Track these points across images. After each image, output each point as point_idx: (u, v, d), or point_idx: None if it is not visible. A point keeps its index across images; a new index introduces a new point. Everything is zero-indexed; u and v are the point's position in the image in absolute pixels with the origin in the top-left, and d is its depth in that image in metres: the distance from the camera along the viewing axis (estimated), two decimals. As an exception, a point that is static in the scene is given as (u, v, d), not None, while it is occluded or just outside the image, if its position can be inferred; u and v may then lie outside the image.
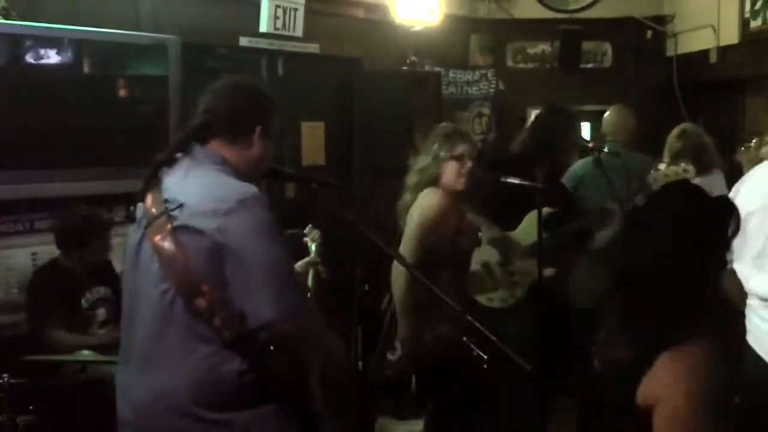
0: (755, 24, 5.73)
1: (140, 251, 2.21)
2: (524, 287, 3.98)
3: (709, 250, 1.85)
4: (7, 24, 3.82)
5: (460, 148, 3.40)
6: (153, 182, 2.24)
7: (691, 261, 1.83)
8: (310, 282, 2.84)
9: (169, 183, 2.21)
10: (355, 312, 4.98)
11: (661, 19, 6.88)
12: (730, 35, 5.98)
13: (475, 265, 3.86)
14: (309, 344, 2.25)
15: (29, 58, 3.96)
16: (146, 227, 2.18)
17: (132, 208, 2.34)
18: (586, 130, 6.92)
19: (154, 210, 2.19)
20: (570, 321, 4.27)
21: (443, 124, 3.77)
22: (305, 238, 3.01)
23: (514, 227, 4.05)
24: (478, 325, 2.65)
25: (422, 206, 3.37)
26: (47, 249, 4.03)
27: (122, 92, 4.37)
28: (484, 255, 3.95)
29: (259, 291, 2.06)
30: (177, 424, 2.12)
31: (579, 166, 4.62)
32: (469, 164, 3.40)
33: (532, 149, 4.24)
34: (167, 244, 2.12)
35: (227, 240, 2.06)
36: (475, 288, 3.95)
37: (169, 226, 2.13)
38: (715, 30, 6.15)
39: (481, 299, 3.99)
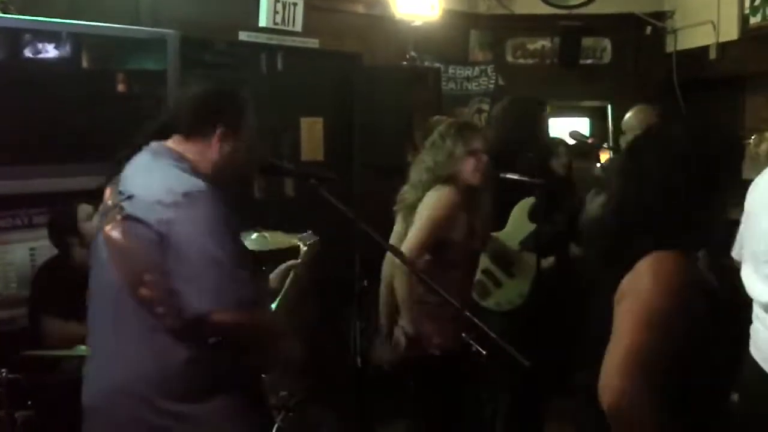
0: (755, 20, 5.73)
1: (97, 243, 2.27)
2: (527, 283, 3.98)
3: (709, 182, 1.88)
4: (5, 18, 3.81)
5: (476, 143, 3.37)
6: (114, 178, 2.29)
7: (689, 184, 1.87)
8: (287, 284, 2.81)
9: (125, 175, 2.26)
10: (354, 307, 4.97)
11: (660, 15, 6.87)
12: (730, 31, 5.98)
13: (477, 273, 3.87)
14: (255, 337, 2.23)
15: (28, 53, 3.95)
16: (102, 219, 2.25)
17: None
18: (585, 126, 6.93)
19: (110, 202, 2.26)
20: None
21: (437, 117, 3.75)
22: (298, 241, 2.98)
23: (502, 225, 4.04)
24: (477, 321, 2.66)
25: (433, 203, 3.32)
26: (46, 244, 4.02)
27: (121, 87, 4.35)
28: (483, 262, 3.93)
29: (196, 281, 2.09)
30: (138, 414, 2.15)
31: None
32: (485, 158, 3.37)
33: (496, 147, 4.11)
34: (115, 234, 2.19)
35: (170, 231, 2.09)
36: (480, 295, 3.94)
37: (119, 216, 2.19)
38: (714, 26, 6.15)
39: (489, 304, 3.98)
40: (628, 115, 4.92)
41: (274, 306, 2.63)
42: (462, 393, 3.36)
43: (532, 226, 3.96)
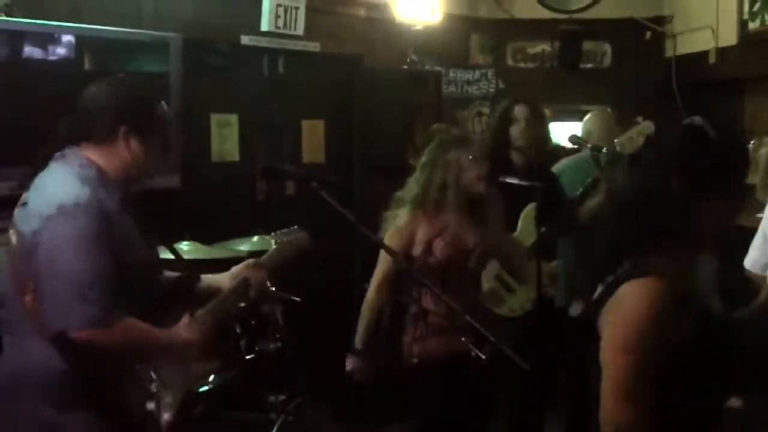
0: (753, 25, 5.75)
1: (7, 241, 2.31)
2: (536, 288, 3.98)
3: (706, 189, 1.85)
4: (9, 21, 3.82)
5: (474, 152, 3.39)
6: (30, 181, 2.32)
7: (684, 196, 1.84)
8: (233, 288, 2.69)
9: (36, 181, 2.29)
10: (355, 309, 4.99)
11: (660, 20, 6.89)
12: (729, 36, 6.00)
13: (489, 281, 3.88)
14: (117, 352, 2.20)
15: (31, 55, 3.96)
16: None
17: None
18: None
19: (18, 204, 2.30)
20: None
21: (437, 125, 3.76)
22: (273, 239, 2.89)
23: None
24: (475, 324, 2.67)
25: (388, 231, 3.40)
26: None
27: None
28: (494, 268, 3.94)
29: (49, 299, 2.12)
30: (17, 413, 2.22)
31: (568, 164, 4.66)
32: (485, 167, 3.38)
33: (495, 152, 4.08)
34: (13, 239, 2.25)
35: (38, 244, 2.13)
36: (494, 302, 3.95)
37: (15, 222, 2.25)
38: (713, 31, 6.17)
39: (503, 311, 3.99)
40: (585, 119, 4.95)
41: (205, 308, 2.52)
42: (461, 400, 3.36)
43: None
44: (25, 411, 2.22)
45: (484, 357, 3.07)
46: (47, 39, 3.99)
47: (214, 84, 4.86)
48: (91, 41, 4.14)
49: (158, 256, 2.56)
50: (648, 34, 6.85)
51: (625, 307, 1.80)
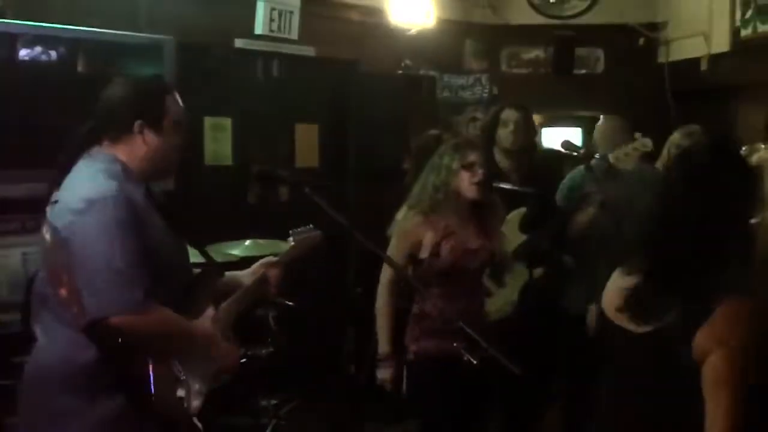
0: (746, 33, 5.77)
1: (40, 239, 2.41)
2: (517, 292, 3.99)
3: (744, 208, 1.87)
4: (2, 23, 3.82)
5: (471, 157, 3.40)
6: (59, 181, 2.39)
7: (729, 215, 1.85)
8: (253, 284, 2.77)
9: (65, 181, 2.37)
10: (348, 314, 4.99)
11: (653, 27, 6.91)
12: (722, 43, 6.02)
13: None
14: (155, 338, 2.27)
15: (24, 57, 3.95)
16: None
17: None
18: (577, 136, 6.96)
19: (49, 203, 2.38)
20: (560, 324, 4.26)
21: (432, 132, 3.77)
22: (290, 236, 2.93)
23: None
24: (469, 330, 2.67)
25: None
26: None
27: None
28: None
29: (89, 287, 2.19)
30: (40, 402, 2.31)
31: (571, 176, 4.63)
32: (481, 172, 3.39)
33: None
34: (47, 237, 2.33)
35: (71, 236, 2.22)
36: None
37: (48, 219, 2.34)
38: (706, 38, 6.19)
39: None
40: (598, 125, 4.93)
41: (225, 304, 2.61)
42: (456, 403, 3.36)
43: (522, 237, 3.97)
44: (54, 400, 2.28)
45: (475, 362, 3.08)
46: (41, 41, 3.99)
47: (208, 87, 4.85)
48: (86, 43, 4.14)
49: (186, 252, 2.61)
50: (641, 40, 6.87)
51: (738, 331, 1.77)
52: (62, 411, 2.27)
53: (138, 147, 2.39)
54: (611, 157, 3.96)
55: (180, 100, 2.48)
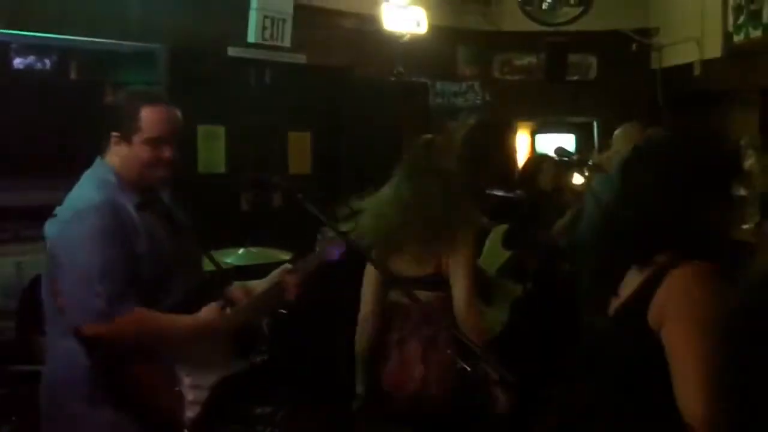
0: (738, 38, 5.80)
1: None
2: (506, 310, 3.96)
3: (721, 191, 1.87)
4: (-5, 32, 3.83)
5: (443, 162, 3.36)
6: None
7: (705, 192, 1.86)
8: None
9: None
10: (342, 321, 4.98)
11: (646, 32, 6.94)
12: (714, 49, 6.05)
13: None
14: (137, 341, 2.30)
15: (18, 66, 3.96)
16: None
17: None
18: (570, 141, 6.98)
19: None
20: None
21: (426, 137, 3.70)
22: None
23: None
24: (462, 338, 2.67)
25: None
26: (33, 258, 4.01)
27: (110, 100, 4.37)
28: None
29: (68, 296, 2.28)
30: (51, 411, 2.39)
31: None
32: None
33: (463, 167, 4.11)
34: (47, 246, 2.39)
35: (58, 246, 2.31)
36: None
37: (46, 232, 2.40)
38: (698, 43, 6.22)
39: None
40: (617, 132, 4.94)
41: (234, 308, 2.56)
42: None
43: (506, 254, 3.95)
44: (64, 407, 2.36)
45: (469, 369, 3.06)
46: (35, 50, 4.00)
47: (200, 95, 4.85)
48: (79, 52, 4.15)
49: (192, 259, 2.62)
50: (634, 46, 6.90)
51: (691, 292, 1.77)
52: (72, 417, 2.34)
53: (123, 157, 2.40)
54: (593, 160, 3.98)
55: (167, 114, 2.44)
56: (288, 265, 2.84)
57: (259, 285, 2.77)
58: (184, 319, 2.41)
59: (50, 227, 2.37)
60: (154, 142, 2.39)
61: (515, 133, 4.28)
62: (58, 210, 2.39)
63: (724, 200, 1.89)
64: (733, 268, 1.93)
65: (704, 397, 1.73)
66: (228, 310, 2.53)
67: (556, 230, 4.06)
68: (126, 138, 2.39)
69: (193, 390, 2.41)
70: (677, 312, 1.78)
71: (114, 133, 2.40)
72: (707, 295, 1.77)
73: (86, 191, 2.37)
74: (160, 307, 2.35)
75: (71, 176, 3.84)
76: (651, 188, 1.90)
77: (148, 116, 2.41)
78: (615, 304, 1.95)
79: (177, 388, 2.36)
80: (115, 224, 2.29)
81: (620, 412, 1.91)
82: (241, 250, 4.23)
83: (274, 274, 2.79)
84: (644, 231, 1.89)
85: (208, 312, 2.44)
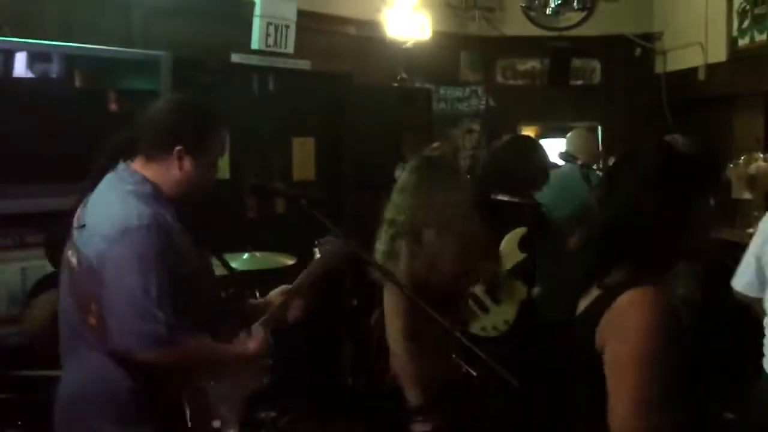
0: (743, 42, 5.79)
1: (63, 265, 2.35)
2: (514, 309, 3.96)
3: (682, 202, 1.86)
4: (0, 40, 3.84)
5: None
6: (85, 197, 2.32)
7: (659, 211, 1.85)
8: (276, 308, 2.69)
9: (90, 200, 2.30)
10: (344, 327, 4.99)
11: (650, 37, 6.94)
12: (718, 53, 6.04)
13: None
14: (185, 366, 2.26)
15: (22, 74, 3.97)
16: (69, 242, 2.33)
17: None
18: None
19: (74, 225, 2.32)
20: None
21: (434, 144, 3.70)
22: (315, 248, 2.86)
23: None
24: (467, 343, 2.67)
25: None
26: (37, 264, 4.02)
27: (114, 107, 4.38)
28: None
29: (116, 319, 2.15)
30: (81, 428, 2.28)
31: (561, 174, 4.67)
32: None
33: (492, 176, 4.05)
34: (73, 261, 2.27)
35: (103, 267, 2.15)
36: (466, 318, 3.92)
37: (76, 244, 2.26)
38: (703, 48, 6.21)
39: (475, 329, 3.96)
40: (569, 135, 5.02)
41: (257, 324, 2.54)
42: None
43: (521, 256, 3.96)
44: (83, 423, 2.26)
45: (475, 374, 3.06)
46: (38, 58, 4.01)
47: (204, 102, 4.86)
48: (82, 60, 4.16)
49: (213, 272, 2.58)
50: (638, 50, 6.89)
51: (634, 318, 1.79)
52: None
53: (173, 171, 2.30)
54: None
55: (226, 137, 2.43)
56: (285, 286, 2.78)
57: (272, 296, 2.74)
58: (237, 349, 2.40)
59: (89, 241, 2.21)
60: (216, 164, 2.38)
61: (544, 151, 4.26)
62: (88, 221, 2.25)
63: (681, 209, 1.87)
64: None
65: (631, 415, 1.75)
66: (251, 329, 2.49)
67: (569, 245, 4.06)
68: (193, 153, 2.30)
69: (229, 408, 2.41)
70: (617, 338, 1.80)
71: (178, 147, 2.28)
72: (648, 323, 1.78)
73: (126, 203, 2.22)
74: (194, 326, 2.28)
75: (75, 183, 3.86)
76: (613, 197, 1.92)
77: (221, 137, 2.39)
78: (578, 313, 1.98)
79: (216, 406, 2.35)
80: (167, 243, 2.19)
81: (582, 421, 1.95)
82: (245, 255, 4.24)
83: (274, 293, 2.75)
84: (604, 241, 1.92)
85: (257, 341, 2.43)
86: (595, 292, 1.91)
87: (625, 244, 1.87)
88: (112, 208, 2.22)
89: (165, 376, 2.21)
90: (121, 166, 2.32)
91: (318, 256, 2.83)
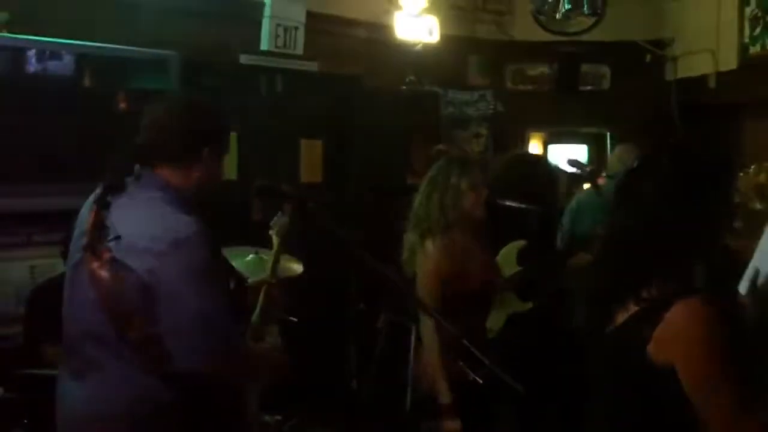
0: (754, 49, 5.77)
1: (77, 273, 2.22)
2: (503, 317, 3.95)
3: (702, 208, 1.84)
4: (9, 37, 3.84)
5: (478, 178, 3.39)
6: (100, 201, 2.23)
7: (683, 220, 1.83)
8: (260, 300, 2.64)
9: (114, 208, 2.19)
10: (350, 331, 4.98)
11: (660, 43, 6.91)
12: (729, 60, 6.02)
13: None
14: (237, 377, 2.28)
15: (31, 72, 3.98)
16: (85, 249, 2.18)
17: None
18: (583, 153, 6.96)
19: (94, 234, 2.18)
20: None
21: (440, 146, 3.73)
22: (270, 231, 2.82)
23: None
24: (474, 350, 2.66)
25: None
26: (46, 262, 4.03)
27: (123, 106, 4.39)
28: None
29: (182, 337, 2.09)
30: None
31: (578, 198, 4.63)
32: (485, 192, 3.38)
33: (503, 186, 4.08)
34: (104, 274, 2.14)
35: (157, 282, 2.07)
36: None
37: (106, 255, 2.14)
38: (714, 55, 6.19)
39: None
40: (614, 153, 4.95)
41: (253, 319, 2.53)
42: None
43: (517, 269, 3.94)
44: None
45: (481, 381, 3.06)
46: (48, 56, 4.01)
47: (212, 103, 4.86)
48: (92, 58, 4.16)
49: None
50: (648, 57, 6.86)
51: (700, 334, 1.74)
52: None
53: (195, 173, 2.26)
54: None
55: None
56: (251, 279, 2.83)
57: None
58: (277, 357, 2.43)
59: (132, 255, 2.10)
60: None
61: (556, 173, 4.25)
62: (123, 231, 2.13)
63: (700, 215, 1.85)
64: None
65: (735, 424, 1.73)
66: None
67: (570, 265, 4.04)
68: (219, 153, 2.31)
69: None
70: (688, 357, 1.76)
71: (206, 148, 2.26)
72: (714, 336, 1.75)
73: (172, 215, 2.15)
74: None
75: (83, 182, 3.86)
76: (632, 209, 1.89)
77: (230, 137, 2.42)
78: (610, 330, 1.93)
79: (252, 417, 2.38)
80: (210, 251, 2.15)
81: None
82: (250, 256, 4.23)
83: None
84: (629, 255, 1.87)
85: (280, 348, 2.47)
86: (632, 307, 1.86)
87: (654, 257, 1.83)
88: (152, 219, 2.15)
89: (214, 390, 2.17)
90: (145, 172, 2.24)
91: (275, 239, 2.80)
